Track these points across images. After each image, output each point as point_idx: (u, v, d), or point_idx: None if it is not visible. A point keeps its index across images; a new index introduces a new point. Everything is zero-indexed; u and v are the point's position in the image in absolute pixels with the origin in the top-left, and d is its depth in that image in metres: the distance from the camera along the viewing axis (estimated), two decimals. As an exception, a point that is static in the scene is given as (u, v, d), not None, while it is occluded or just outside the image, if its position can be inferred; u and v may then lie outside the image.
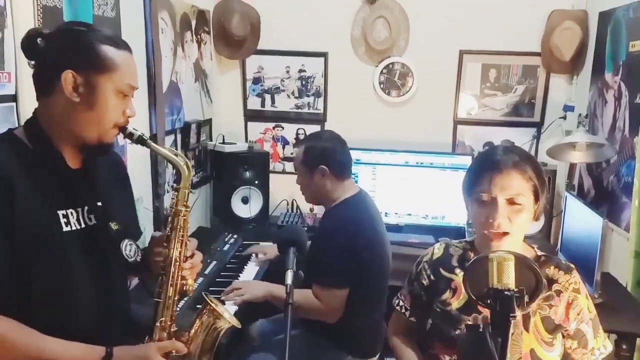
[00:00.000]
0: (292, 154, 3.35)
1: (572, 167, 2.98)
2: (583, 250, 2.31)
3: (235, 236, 2.81)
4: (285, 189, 3.25)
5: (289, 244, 1.48)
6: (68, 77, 1.21)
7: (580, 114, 2.81)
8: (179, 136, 2.70)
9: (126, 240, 1.39)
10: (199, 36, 2.92)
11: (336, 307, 2.03)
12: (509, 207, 1.39)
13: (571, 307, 1.44)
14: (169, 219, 1.38)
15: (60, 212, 1.25)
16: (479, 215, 1.43)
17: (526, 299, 1.11)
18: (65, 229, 1.25)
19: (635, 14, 2.41)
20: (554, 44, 2.97)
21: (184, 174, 1.36)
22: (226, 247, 2.65)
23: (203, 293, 1.46)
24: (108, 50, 1.24)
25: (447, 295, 1.52)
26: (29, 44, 1.24)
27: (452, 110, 3.23)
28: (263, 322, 2.33)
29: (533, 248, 1.53)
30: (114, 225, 1.36)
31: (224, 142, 3.07)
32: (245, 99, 3.32)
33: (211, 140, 3.10)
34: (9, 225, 1.15)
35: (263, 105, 3.33)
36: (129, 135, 1.31)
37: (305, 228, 2.91)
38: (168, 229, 1.37)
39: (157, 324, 1.32)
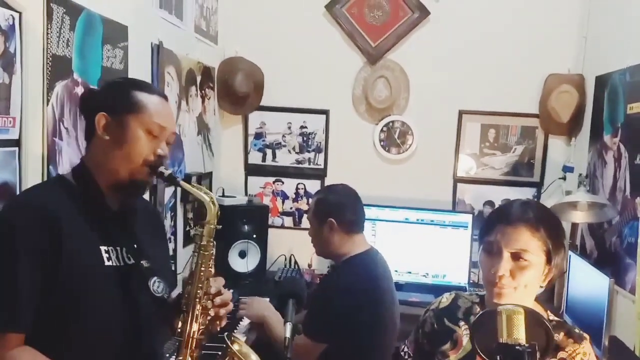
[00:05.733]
0: (290, 208, 3.34)
1: (574, 227, 2.96)
2: (589, 313, 2.26)
3: (231, 291, 2.72)
4: (284, 244, 3.21)
5: (288, 295, 1.46)
6: (100, 119, 1.31)
7: (580, 174, 2.82)
8: (179, 187, 2.68)
9: (155, 277, 1.40)
10: (203, 91, 2.97)
11: (303, 357, 1.97)
12: (513, 262, 1.33)
13: None
14: (193, 255, 1.39)
15: (103, 248, 1.29)
16: (484, 265, 1.39)
17: (537, 355, 1.06)
18: (107, 263, 1.29)
19: (632, 78, 2.47)
20: (552, 106, 3.02)
21: (209, 210, 1.38)
22: (222, 303, 2.57)
23: (226, 336, 1.41)
24: (139, 94, 1.34)
25: (447, 346, 1.45)
26: (83, 102, 1.42)
27: (452, 168, 3.24)
28: None
29: (546, 311, 1.42)
30: (145, 263, 1.38)
31: (223, 195, 3.06)
32: (246, 153, 3.34)
33: (211, 193, 3.08)
34: (53, 263, 1.19)
35: (264, 159, 3.35)
36: (160, 174, 1.35)
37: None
38: (193, 264, 1.37)
39: None
